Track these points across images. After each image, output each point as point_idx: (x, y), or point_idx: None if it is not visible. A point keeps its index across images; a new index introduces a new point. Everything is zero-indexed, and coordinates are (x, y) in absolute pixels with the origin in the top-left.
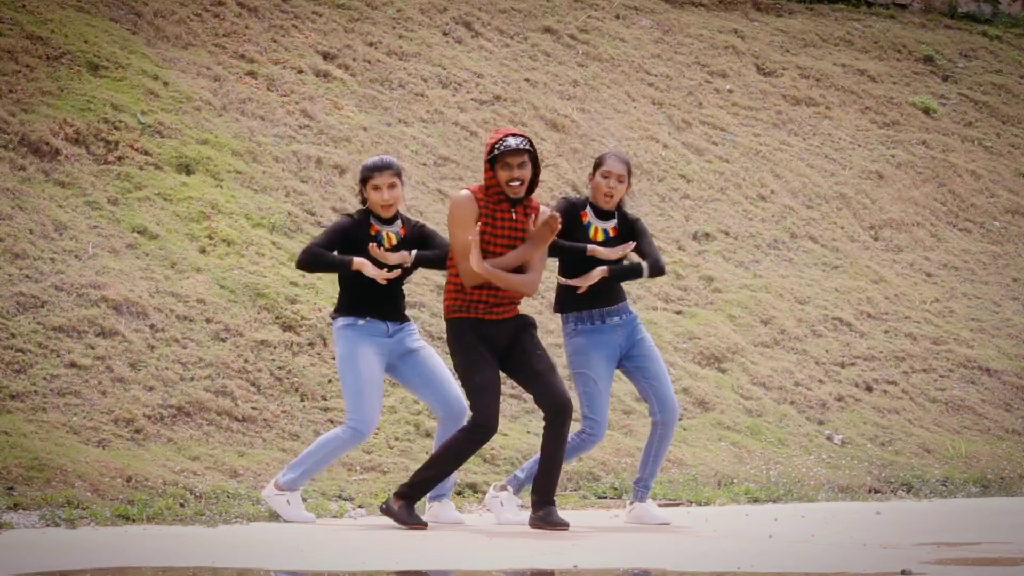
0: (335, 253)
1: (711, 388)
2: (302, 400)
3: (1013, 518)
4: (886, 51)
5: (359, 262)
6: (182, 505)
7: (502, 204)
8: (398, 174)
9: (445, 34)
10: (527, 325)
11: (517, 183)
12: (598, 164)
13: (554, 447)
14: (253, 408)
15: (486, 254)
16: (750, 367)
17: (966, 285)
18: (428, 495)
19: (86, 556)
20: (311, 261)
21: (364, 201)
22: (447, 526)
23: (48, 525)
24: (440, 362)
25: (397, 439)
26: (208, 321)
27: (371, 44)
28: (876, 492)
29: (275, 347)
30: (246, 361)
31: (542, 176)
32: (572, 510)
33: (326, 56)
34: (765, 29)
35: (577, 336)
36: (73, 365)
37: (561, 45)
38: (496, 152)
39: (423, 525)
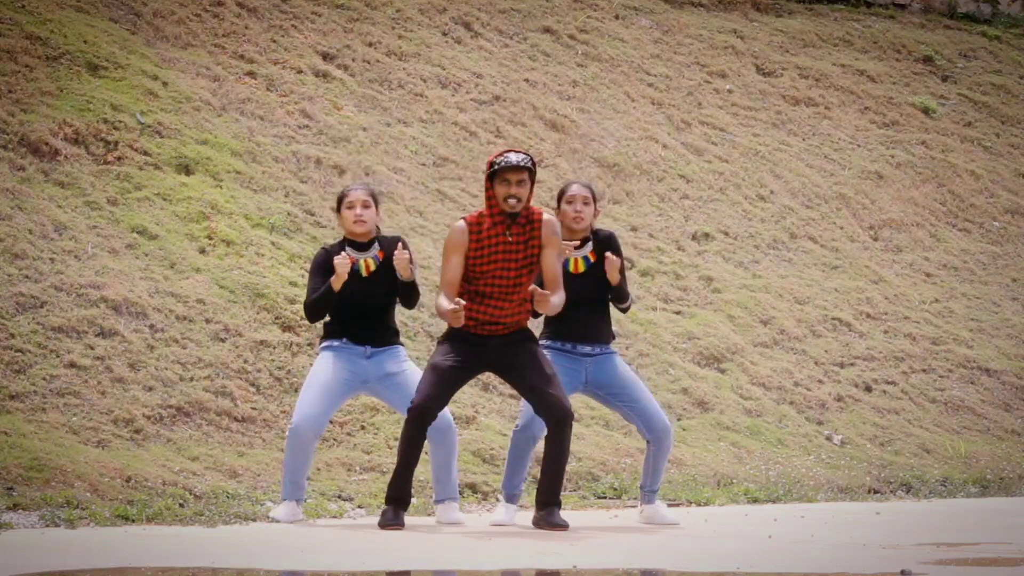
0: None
1: (711, 388)
2: None
3: (1013, 518)
4: (886, 51)
5: (333, 279)
6: (182, 505)
7: (498, 225)
8: (372, 195)
9: (444, 34)
10: (523, 340)
11: (514, 200)
12: (561, 194)
13: (555, 454)
14: (253, 408)
15: (477, 275)
16: (750, 367)
17: (966, 285)
18: (434, 499)
19: (86, 556)
20: (312, 309)
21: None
22: (447, 527)
23: (48, 525)
24: (411, 384)
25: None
26: (207, 321)
27: (370, 44)
28: (876, 492)
29: (274, 347)
30: (245, 361)
31: (542, 176)
32: (572, 510)
33: (325, 56)
34: (765, 29)
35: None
36: (73, 365)
37: (561, 45)
38: (496, 167)
39: (396, 526)
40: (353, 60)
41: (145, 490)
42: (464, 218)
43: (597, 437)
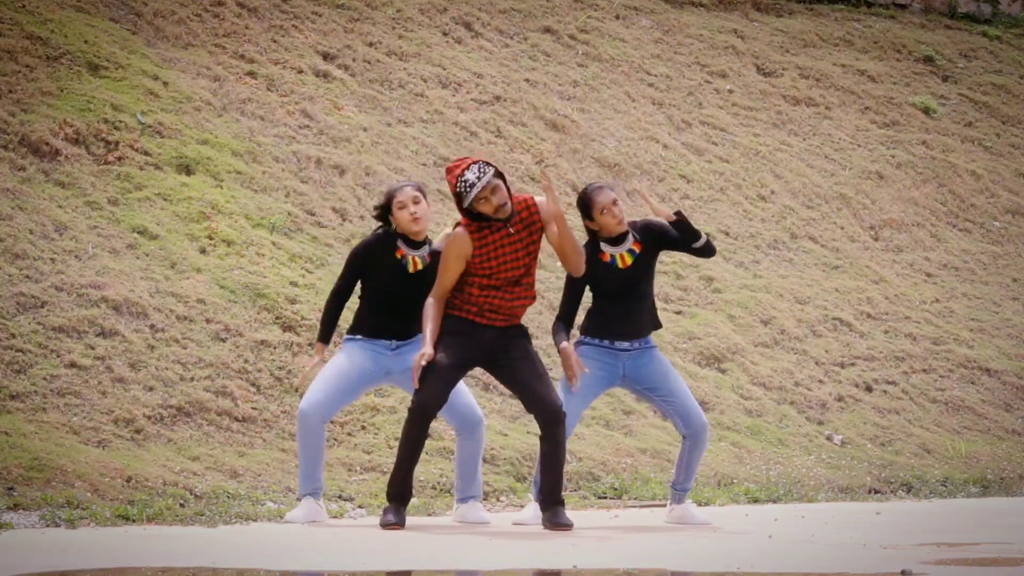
0: (358, 282)
1: (711, 388)
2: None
3: (1013, 518)
4: (886, 51)
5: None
6: (182, 505)
7: (495, 224)
8: (421, 190)
9: (445, 34)
10: (518, 335)
11: (502, 206)
12: (589, 204)
13: (552, 454)
14: (253, 408)
15: (493, 278)
16: (750, 367)
17: (966, 285)
18: (456, 497)
19: (86, 556)
20: (326, 309)
21: (387, 223)
22: (451, 527)
23: (48, 525)
24: None
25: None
26: (208, 321)
27: (371, 44)
28: (876, 492)
29: (275, 347)
30: (246, 361)
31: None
32: (572, 510)
33: (326, 56)
34: (765, 29)
35: (581, 346)
36: (73, 365)
37: (561, 45)
38: (468, 199)
39: (397, 526)
40: (353, 60)
41: (145, 490)
42: (463, 224)
43: (597, 437)
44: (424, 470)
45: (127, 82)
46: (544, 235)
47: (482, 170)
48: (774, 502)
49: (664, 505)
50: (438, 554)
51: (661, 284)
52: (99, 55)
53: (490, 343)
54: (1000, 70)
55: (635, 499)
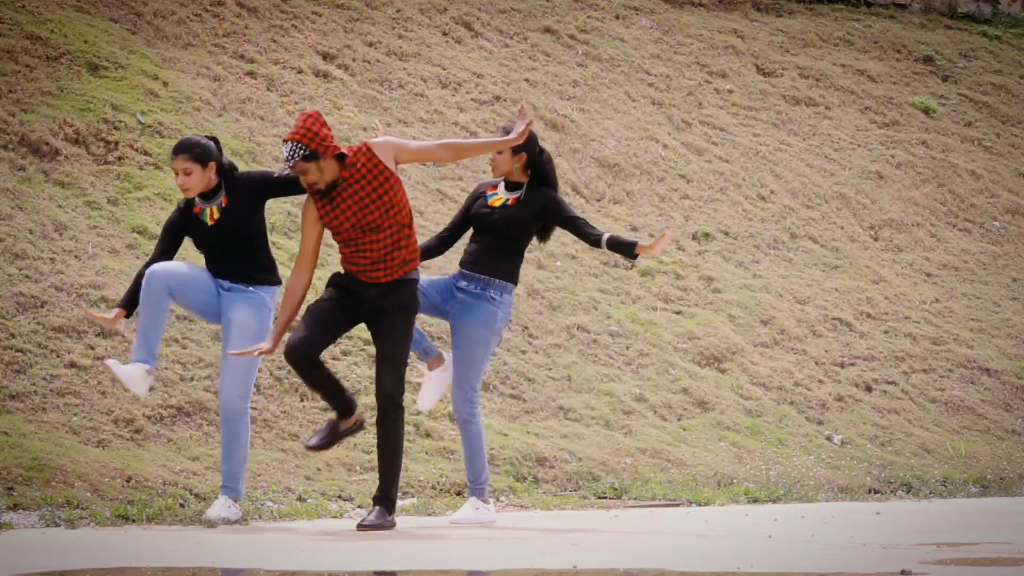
0: (176, 251)
1: (711, 388)
2: (302, 400)
3: (1013, 518)
4: (886, 51)
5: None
6: (182, 505)
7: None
8: (195, 159)
9: (445, 34)
10: (396, 306)
11: (313, 185)
12: None
13: (381, 440)
14: (253, 408)
15: (347, 233)
16: (750, 367)
17: (966, 285)
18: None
19: (86, 556)
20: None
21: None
22: (450, 527)
23: (48, 525)
24: (233, 344)
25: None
26: (208, 321)
27: (371, 44)
28: (876, 492)
29: None
30: None
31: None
32: (572, 510)
33: (326, 56)
34: (765, 29)
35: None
36: (73, 365)
37: (561, 45)
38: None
39: (390, 525)
40: (353, 60)
41: (145, 490)
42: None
43: (597, 437)
44: (424, 470)
45: (127, 82)
46: (395, 171)
47: (292, 152)
48: (774, 502)
49: (663, 505)
50: (437, 554)
51: (661, 284)
52: (99, 55)
53: (371, 302)
54: (1000, 70)
55: (635, 499)
